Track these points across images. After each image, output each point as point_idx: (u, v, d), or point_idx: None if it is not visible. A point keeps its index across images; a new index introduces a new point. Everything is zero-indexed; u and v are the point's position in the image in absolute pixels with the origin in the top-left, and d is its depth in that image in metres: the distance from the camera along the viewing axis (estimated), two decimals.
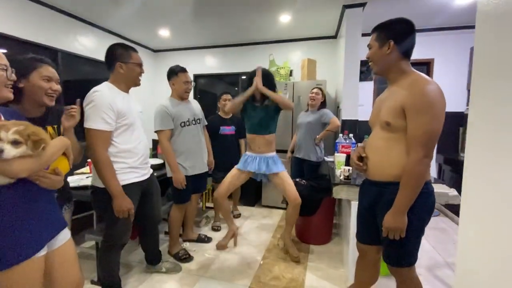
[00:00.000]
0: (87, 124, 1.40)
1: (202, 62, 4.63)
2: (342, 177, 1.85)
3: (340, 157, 2.01)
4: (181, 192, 2.09)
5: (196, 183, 2.22)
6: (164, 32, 3.88)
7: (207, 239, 2.50)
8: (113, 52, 1.53)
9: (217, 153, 2.72)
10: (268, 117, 2.08)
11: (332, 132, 2.70)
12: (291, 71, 3.80)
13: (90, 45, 3.55)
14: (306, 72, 3.38)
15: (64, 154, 1.05)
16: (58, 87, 1.23)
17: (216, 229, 2.81)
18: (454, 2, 2.80)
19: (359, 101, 3.09)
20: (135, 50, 1.58)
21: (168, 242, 2.25)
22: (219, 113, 2.97)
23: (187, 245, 2.40)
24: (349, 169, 1.82)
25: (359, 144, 2.28)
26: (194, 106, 2.25)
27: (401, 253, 1.20)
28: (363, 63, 3.69)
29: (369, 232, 1.35)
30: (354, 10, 2.84)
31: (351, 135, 2.51)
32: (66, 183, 1.46)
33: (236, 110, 2.10)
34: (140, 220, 1.76)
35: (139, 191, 1.60)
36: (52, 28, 3.03)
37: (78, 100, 1.28)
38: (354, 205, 1.74)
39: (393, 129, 1.18)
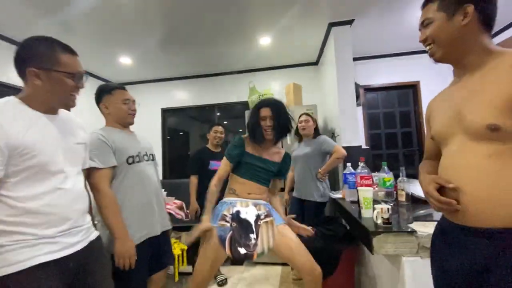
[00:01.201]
0: None
1: (172, 95, 4.13)
2: (379, 221, 1.29)
3: (366, 192, 1.48)
4: (130, 275, 1.25)
5: (155, 254, 1.41)
6: (126, 60, 3.37)
7: None
8: (26, 50, 0.90)
9: (205, 193, 2.23)
10: (274, 174, 1.62)
11: (340, 161, 2.23)
12: None
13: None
14: (293, 98, 3.01)
15: None
16: None
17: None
18: None
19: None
20: (69, 51, 0.95)
21: None
22: (207, 146, 2.50)
23: None
24: (388, 209, 1.29)
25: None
26: (143, 139, 1.55)
27: None
28: None
29: None
30: (341, 28, 2.62)
31: (361, 163, 2.04)
32: None
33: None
34: None
35: (58, 279, 0.88)
36: None
37: None
38: (410, 263, 1.18)
39: (504, 136, 0.70)
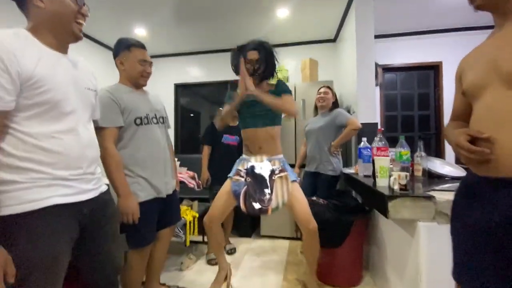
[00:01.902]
0: None
1: (185, 71, 4.09)
2: (396, 187, 1.27)
3: (383, 161, 1.45)
4: (137, 228, 1.31)
5: (162, 211, 1.45)
6: (140, 32, 3.34)
7: None
8: None
9: (216, 164, 2.33)
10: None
11: (354, 133, 2.19)
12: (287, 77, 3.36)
13: None
14: (309, 73, 2.93)
15: None
16: None
17: (214, 263, 2.16)
18: None
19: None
20: None
21: None
22: None
23: None
24: (406, 175, 1.25)
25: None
26: (155, 99, 1.53)
27: None
28: None
29: (487, 271, 0.76)
30: (364, 0, 2.50)
31: (378, 136, 1.99)
32: None
33: (227, 122, 1.65)
34: (84, 274, 1.01)
35: (72, 222, 0.88)
36: None
37: None
38: (426, 228, 1.16)
39: None
